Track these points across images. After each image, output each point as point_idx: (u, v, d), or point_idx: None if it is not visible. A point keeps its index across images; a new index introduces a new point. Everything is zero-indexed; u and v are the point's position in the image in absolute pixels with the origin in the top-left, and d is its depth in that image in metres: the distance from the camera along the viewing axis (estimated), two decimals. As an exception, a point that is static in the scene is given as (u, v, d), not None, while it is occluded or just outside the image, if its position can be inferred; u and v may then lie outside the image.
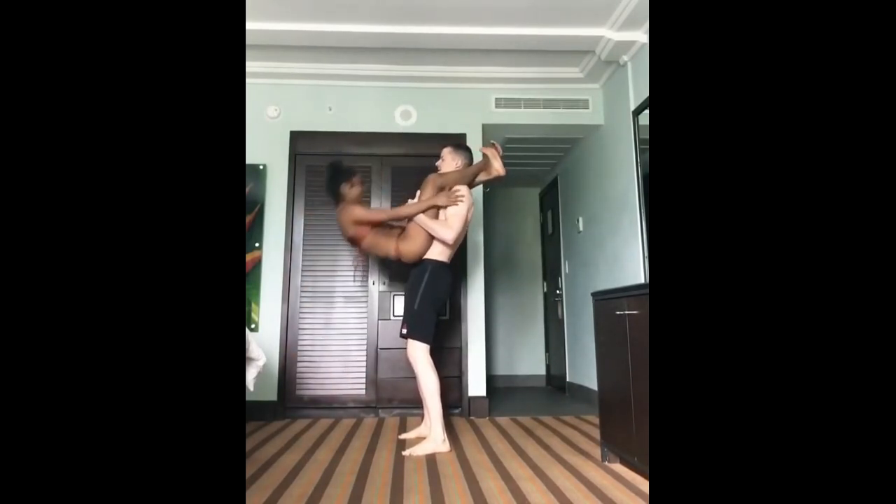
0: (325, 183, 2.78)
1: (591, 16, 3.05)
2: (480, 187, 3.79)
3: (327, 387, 3.46)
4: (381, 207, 2.68)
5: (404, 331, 2.66)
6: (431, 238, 2.66)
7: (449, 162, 2.78)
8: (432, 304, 2.63)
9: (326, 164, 2.80)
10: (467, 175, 2.72)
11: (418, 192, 2.72)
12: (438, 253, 2.68)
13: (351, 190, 2.71)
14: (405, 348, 3.44)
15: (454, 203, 2.60)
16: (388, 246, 2.66)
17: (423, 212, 2.63)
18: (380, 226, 2.70)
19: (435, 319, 2.66)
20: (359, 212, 2.64)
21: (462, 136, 3.77)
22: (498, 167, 2.79)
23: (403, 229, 2.70)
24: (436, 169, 2.84)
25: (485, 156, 2.81)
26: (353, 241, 2.71)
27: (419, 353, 2.59)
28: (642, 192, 3.18)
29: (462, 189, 2.67)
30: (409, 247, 2.63)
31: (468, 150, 2.85)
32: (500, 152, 2.84)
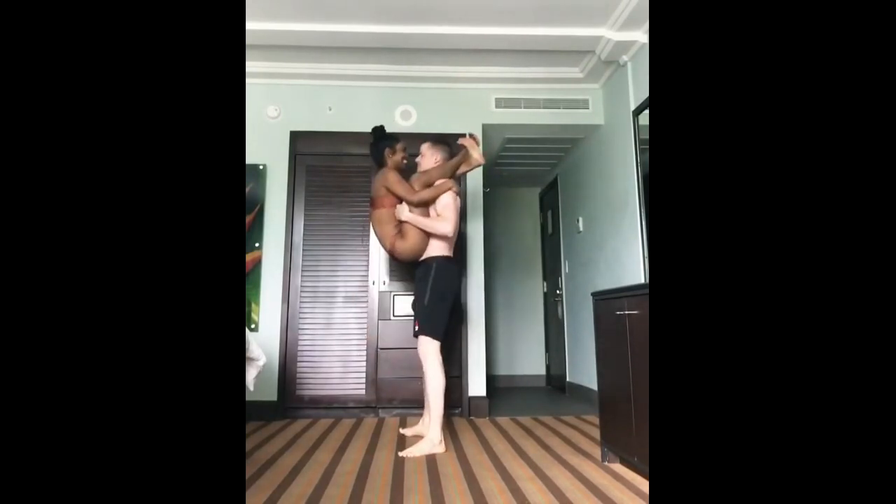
0: (370, 147, 2.83)
1: (591, 16, 3.05)
2: (481, 187, 3.80)
3: (327, 387, 3.46)
4: (410, 184, 2.67)
5: (416, 328, 2.64)
6: (426, 237, 2.66)
7: (428, 158, 2.81)
8: (442, 298, 2.62)
9: (372, 128, 2.85)
10: (448, 169, 2.74)
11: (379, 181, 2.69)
12: (440, 248, 2.68)
13: (393, 156, 2.76)
14: (406, 348, 3.48)
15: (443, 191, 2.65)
16: (389, 235, 2.65)
17: (434, 198, 2.65)
18: (400, 202, 2.69)
19: (447, 315, 2.63)
20: (392, 177, 2.65)
21: (461, 136, 3.76)
22: (477, 157, 2.81)
23: (402, 226, 2.69)
24: (415, 167, 2.87)
25: (463, 147, 2.83)
26: (373, 203, 2.72)
27: (430, 350, 2.58)
28: (642, 192, 3.18)
29: (447, 181, 2.69)
30: (404, 245, 2.63)
31: (447, 145, 2.87)
32: (478, 141, 2.86)
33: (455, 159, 2.79)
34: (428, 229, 2.63)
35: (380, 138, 2.78)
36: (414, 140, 3.74)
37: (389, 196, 2.67)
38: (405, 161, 2.82)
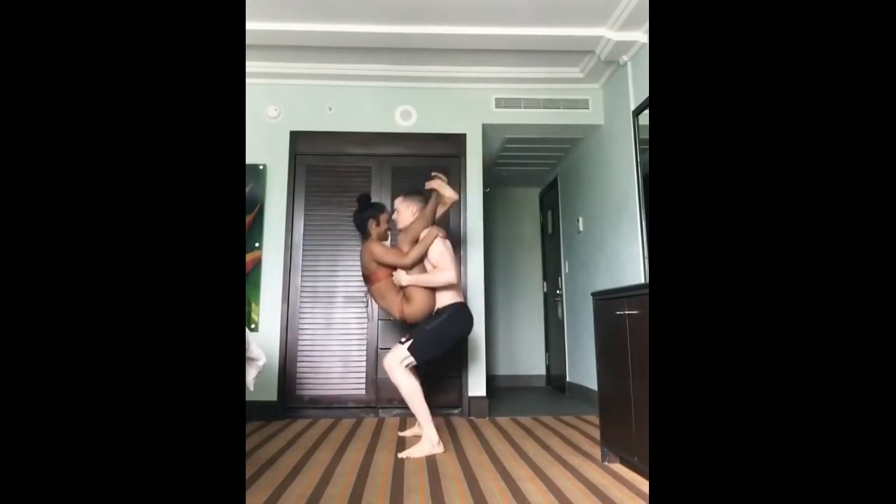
0: (353, 215, 2.79)
1: (591, 16, 3.05)
2: (481, 187, 3.80)
3: (327, 387, 3.46)
4: (396, 248, 2.66)
5: (404, 340, 2.56)
6: (432, 293, 2.64)
7: (404, 212, 2.77)
8: (449, 335, 2.61)
9: (356, 197, 2.81)
10: (428, 216, 2.70)
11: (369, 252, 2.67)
12: (451, 297, 2.66)
13: (377, 228, 2.71)
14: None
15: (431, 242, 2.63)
16: (395, 304, 2.63)
17: (425, 253, 2.62)
18: (395, 271, 2.66)
19: (441, 351, 2.63)
20: (378, 250, 2.63)
21: (462, 137, 3.77)
22: (449, 194, 2.77)
23: (405, 291, 2.66)
24: (413, 172, 2.86)
25: (434, 191, 2.77)
26: (368, 280, 2.70)
27: (396, 362, 2.52)
28: (642, 192, 3.18)
29: (431, 229, 2.67)
30: (413, 309, 2.60)
31: (418, 193, 2.84)
32: (445, 179, 2.81)
33: (430, 205, 2.73)
34: (431, 285, 2.61)
35: (364, 208, 2.74)
36: (414, 140, 3.77)
37: (382, 269, 2.64)
38: (389, 231, 2.80)
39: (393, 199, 3.56)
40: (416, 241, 2.64)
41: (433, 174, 2.82)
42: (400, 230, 2.76)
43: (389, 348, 3.44)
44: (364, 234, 2.75)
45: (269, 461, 2.28)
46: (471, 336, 3.57)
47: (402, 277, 2.61)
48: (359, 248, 3.57)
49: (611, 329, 2.20)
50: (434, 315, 2.65)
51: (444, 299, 2.66)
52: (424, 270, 2.66)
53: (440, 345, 2.61)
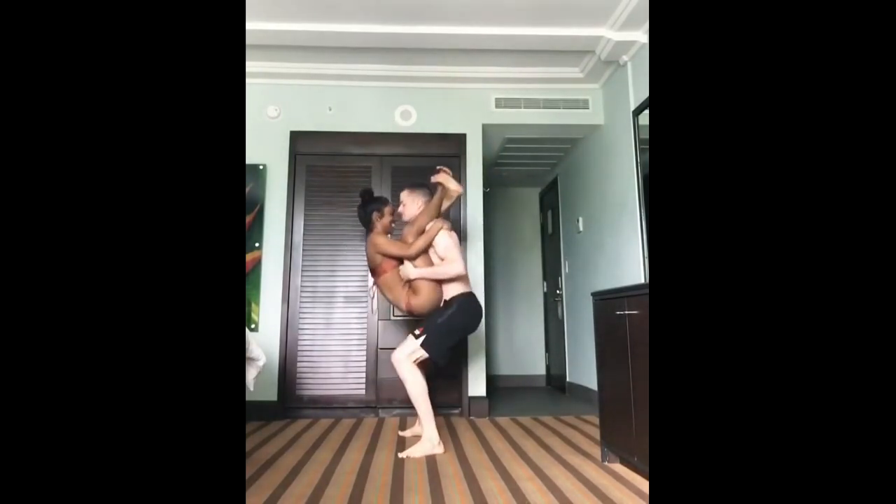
0: (357, 209, 2.80)
1: (591, 16, 3.05)
2: (481, 188, 3.80)
3: (327, 387, 3.46)
4: (401, 241, 2.67)
5: (417, 333, 2.57)
6: (439, 285, 2.65)
7: (410, 205, 2.79)
8: (459, 326, 2.61)
9: (360, 191, 2.83)
10: (433, 209, 2.72)
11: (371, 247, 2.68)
12: (459, 288, 2.67)
13: (381, 220, 2.72)
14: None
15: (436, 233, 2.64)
16: (401, 295, 2.63)
17: (429, 244, 2.63)
18: (401, 262, 2.67)
19: (453, 343, 2.63)
20: (382, 241, 2.64)
21: (462, 137, 3.77)
22: (454, 187, 2.79)
23: (412, 283, 2.66)
24: (419, 172, 2.87)
25: (440, 185, 2.80)
26: (374, 272, 2.71)
27: (405, 356, 2.54)
28: (642, 192, 3.18)
29: (436, 221, 2.68)
30: (420, 301, 2.61)
31: (424, 187, 2.85)
32: (450, 172, 2.83)
33: (436, 197, 2.76)
34: (439, 277, 2.62)
35: (368, 202, 2.75)
36: (415, 140, 3.77)
37: (387, 260, 2.64)
38: (393, 224, 2.81)
39: (394, 197, 3.58)
40: (421, 233, 2.66)
41: (438, 168, 2.85)
42: (406, 223, 2.79)
43: (389, 348, 3.47)
44: (368, 228, 2.76)
45: (269, 461, 2.28)
46: (471, 335, 3.57)
47: (409, 271, 2.61)
48: (359, 247, 3.59)
49: (611, 329, 2.20)
50: (443, 307, 2.65)
51: (452, 290, 2.66)
52: (431, 263, 2.66)
53: (451, 336, 2.61)
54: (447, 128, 3.77)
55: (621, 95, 3.48)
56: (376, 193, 3.64)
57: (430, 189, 2.86)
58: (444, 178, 2.79)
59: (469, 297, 2.67)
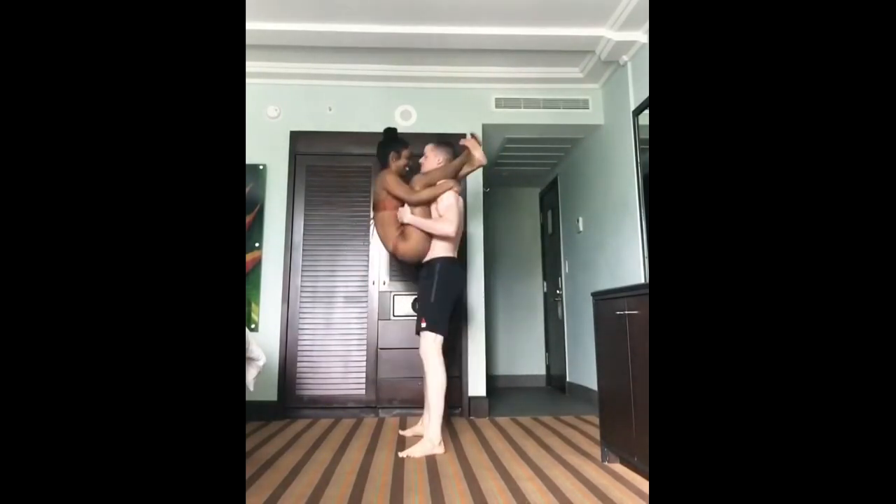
0: (377, 146, 2.86)
1: (591, 16, 3.05)
2: (481, 187, 3.80)
3: (327, 387, 3.46)
4: (411, 185, 2.71)
5: (423, 325, 2.61)
6: (429, 238, 2.67)
7: (431, 159, 2.83)
8: (448, 296, 2.64)
9: (384, 128, 2.90)
10: (451, 169, 2.76)
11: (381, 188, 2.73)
12: (444, 249, 2.69)
13: (396, 161, 2.79)
14: (406, 348, 3.48)
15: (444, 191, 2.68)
16: (391, 235, 2.68)
17: (434, 198, 2.67)
18: (402, 205, 2.72)
19: (450, 312, 2.66)
20: (390, 179, 2.69)
21: (462, 137, 3.76)
22: (479, 156, 2.83)
23: (404, 228, 2.71)
24: (418, 168, 2.89)
25: (465, 148, 2.85)
26: (376, 207, 2.76)
27: (432, 347, 2.57)
28: (642, 192, 3.18)
29: (447, 180, 2.71)
30: (406, 247, 2.66)
31: (450, 146, 2.89)
32: (480, 141, 2.89)
33: (458, 160, 2.81)
34: (430, 230, 2.64)
35: (390, 140, 2.82)
36: (414, 140, 3.75)
37: (390, 199, 2.69)
38: (408, 167, 2.85)
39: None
40: (430, 186, 2.69)
41: (470, 133, 2.91)
42: (422, 173, 2.82)
43: (389, 348, 3.47)
44: (383, 165, 2.81)
45: (269, 461, 2.28)
46: (471, 336, 3.58)
47: (405, 215, 2.67)
48: (360, 248, 3.60)
49: (611, 329, 2.20)
50: (425, 270, 2.69)
51: (438, 250, 2.68)
52: (429, 216, 2.70)
53: (446, 307, 2.63)
54: (447, 128, 3.77)
55: (621, 95, 3.48)
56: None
57: (456, 151, 2.92)
58: (472, 143, 2.84)
59: (449, 262, 2.69)
